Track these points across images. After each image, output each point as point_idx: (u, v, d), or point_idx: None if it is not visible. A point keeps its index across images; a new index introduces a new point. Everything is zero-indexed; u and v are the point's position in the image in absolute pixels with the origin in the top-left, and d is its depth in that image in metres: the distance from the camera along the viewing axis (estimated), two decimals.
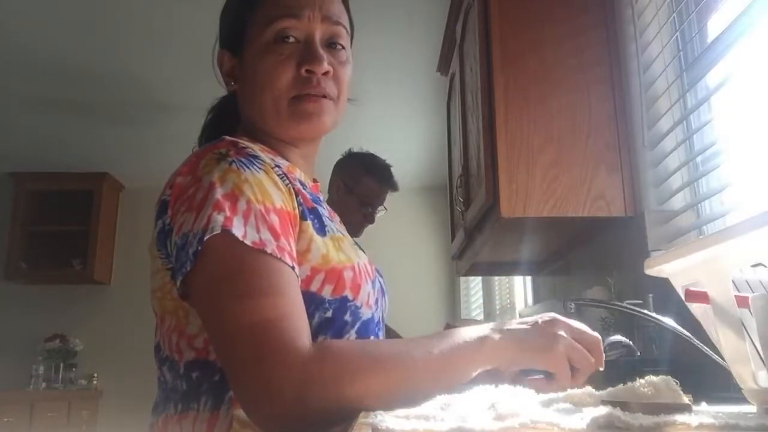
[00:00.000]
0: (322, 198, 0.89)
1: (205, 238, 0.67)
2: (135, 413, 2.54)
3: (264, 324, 0.64)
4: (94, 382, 4.51)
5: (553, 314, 0.75)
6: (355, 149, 2.43)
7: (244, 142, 0.82)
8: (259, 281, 0.67)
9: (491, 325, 0.73)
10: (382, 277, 0.95)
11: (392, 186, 2.41)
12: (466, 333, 0.70)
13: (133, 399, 3.35)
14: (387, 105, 3.61)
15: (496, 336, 0.70)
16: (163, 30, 2.84)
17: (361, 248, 0.92)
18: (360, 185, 2.32)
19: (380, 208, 2.39)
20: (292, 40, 0.85)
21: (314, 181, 0.94)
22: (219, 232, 0.67)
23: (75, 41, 2.99)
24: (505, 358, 0.70)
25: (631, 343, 1.13)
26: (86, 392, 4.44)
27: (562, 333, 0.72)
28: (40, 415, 3.93)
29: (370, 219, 2.36)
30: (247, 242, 0.67)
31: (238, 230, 0.68)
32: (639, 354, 1.16)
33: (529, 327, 0.72)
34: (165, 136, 3.90)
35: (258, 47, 0.86)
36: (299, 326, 0.66)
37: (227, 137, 0.83)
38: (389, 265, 2.96)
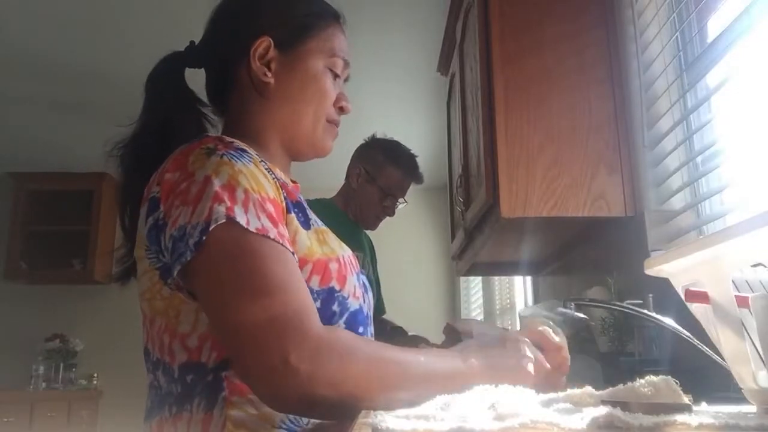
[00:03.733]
0: (302, 198, 0.90)
1: (210, 228, 0.69)
2: (135, 413, 2.53)
3: (279, 302, 0.67)
4: (94, 382, 4.51)
5: (514, 334, 0.81)
6: (379, 135, 2.31)
7: (228, 138, 0.84)
8: (267, 264, 0.69)
9: (465, 349, 0.77)
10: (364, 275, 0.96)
11: (417, 178, 2.28)
12: (451, 358, 0.75)
13: (133, 399, 3.34)
14: (387, 105, 3.61)
15: (475, 363, 0.75)
16: (163, 30, 2.84)
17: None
18: (383, 174, 2.20)
19: (401, 200, 2.27)
20: (335, 78, 0.96)
21: (293, 182, 0.94)
22: (224, 221, 0.69)
23: (75, 41, 2.99)
24: (483, 381, 0.73)
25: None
26: (86, 392, 4.44)
27: (526, 350, 0.78)
28: (40, 415, 3.92)
29: (389, 211, 2.25)
30: (251, 229, 0.70)
31: (241, 218, 0.70)
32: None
33: (498, 349, 0.78)
34: None
35: (317, 63, 0.93)
36: (310, 307, 0.69)
37: (210, 134, 0.87)
38: (389, 264, 2.97)
